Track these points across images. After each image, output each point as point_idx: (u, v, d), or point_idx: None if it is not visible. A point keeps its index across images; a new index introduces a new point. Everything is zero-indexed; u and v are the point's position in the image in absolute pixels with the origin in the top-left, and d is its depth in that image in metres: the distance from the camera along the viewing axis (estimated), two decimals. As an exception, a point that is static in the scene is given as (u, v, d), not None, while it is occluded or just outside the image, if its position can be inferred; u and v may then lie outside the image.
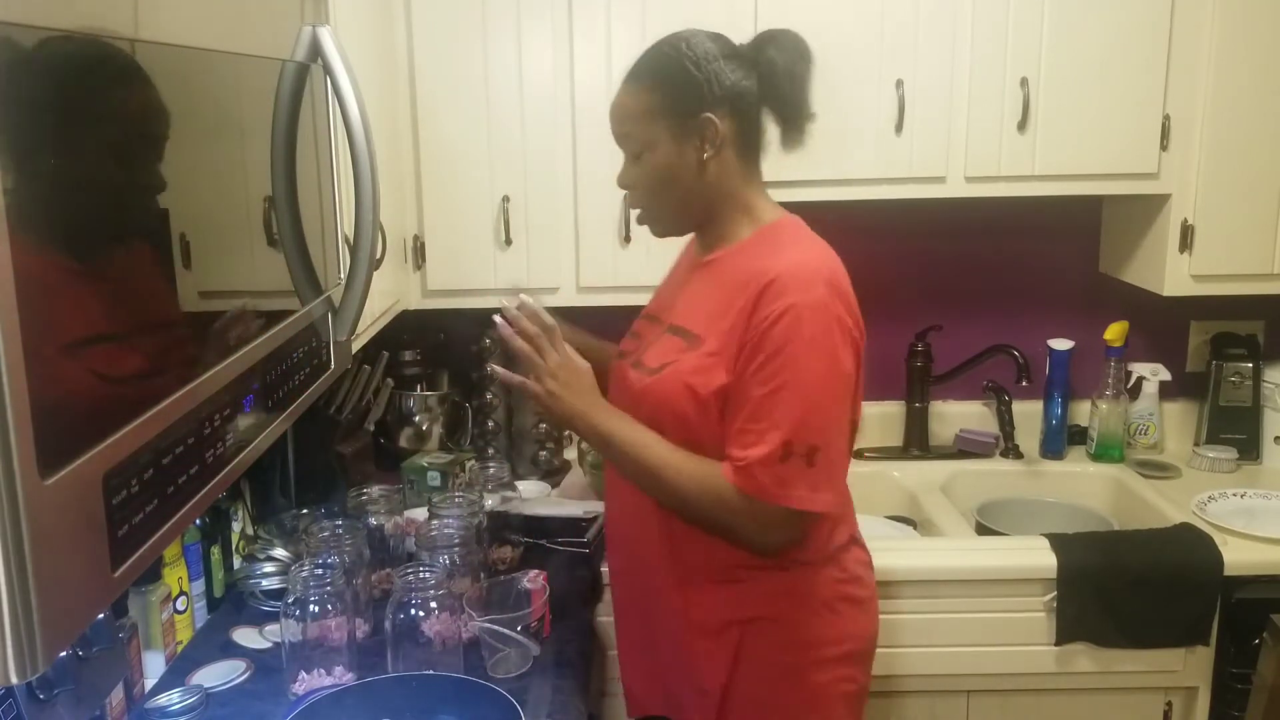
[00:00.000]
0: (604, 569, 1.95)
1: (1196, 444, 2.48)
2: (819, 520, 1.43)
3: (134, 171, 0.83)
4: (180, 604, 1.64)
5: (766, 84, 1.43)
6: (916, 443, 2.52)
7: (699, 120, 1.41)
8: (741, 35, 2.08)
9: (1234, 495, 2.19)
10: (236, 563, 1.83)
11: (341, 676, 1.50)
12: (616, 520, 1.62)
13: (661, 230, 1.53)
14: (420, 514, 1.87)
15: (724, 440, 1.39)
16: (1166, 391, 2.51)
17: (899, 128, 2.12)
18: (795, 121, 1.45)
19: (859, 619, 1.53)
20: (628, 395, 1.50)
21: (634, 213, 1.54)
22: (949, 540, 2.08)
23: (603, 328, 2.52)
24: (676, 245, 2.06)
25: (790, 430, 1.33)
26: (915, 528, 2.25)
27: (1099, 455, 2.46)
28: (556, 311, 2.36)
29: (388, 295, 1.98)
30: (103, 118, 0.78)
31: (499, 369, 1.54)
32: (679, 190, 1.46)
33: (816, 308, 1.33)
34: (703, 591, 1.48)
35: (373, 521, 1.83)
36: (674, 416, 1.42)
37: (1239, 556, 1.95)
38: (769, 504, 1.36)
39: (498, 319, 1.50)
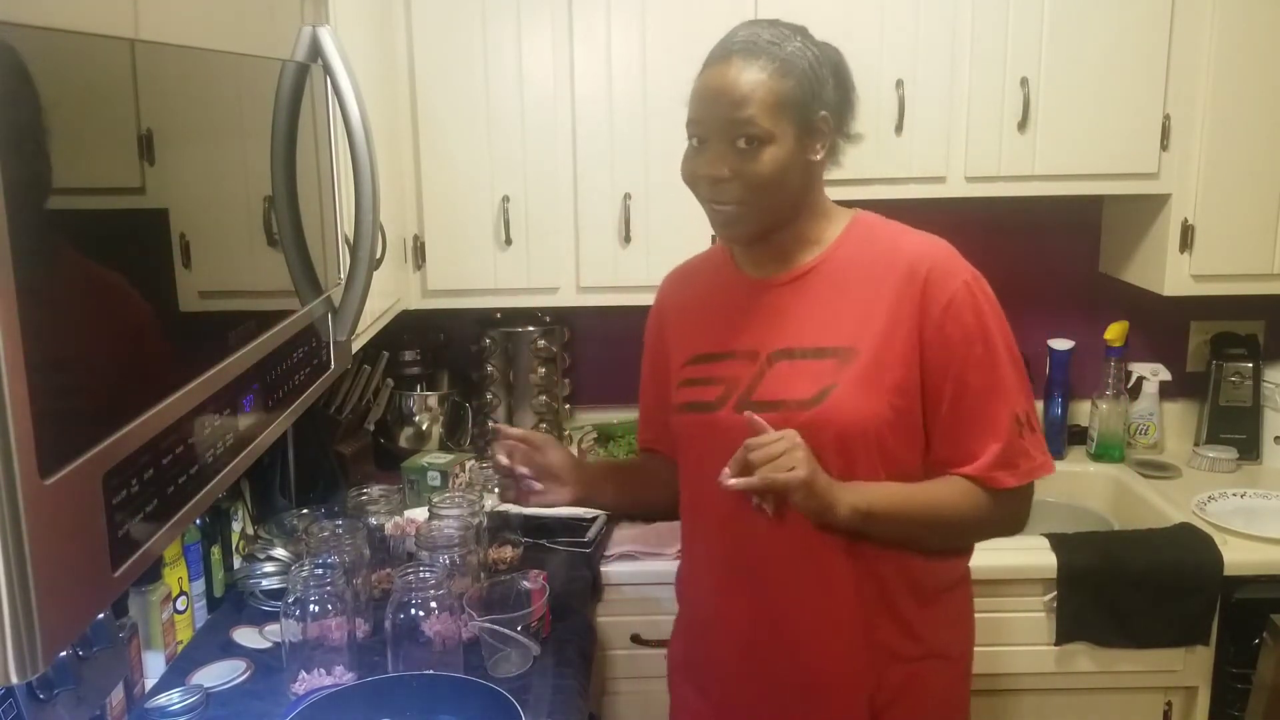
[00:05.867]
0: (604, 569, 1.95)
1: (1196, 444, 2.48)
2: None
3: (134, 171, 0.83)
4: (180, 604, 1.65)
5: (843, 87, 1.40)
6: (916, 443, 2.52)
7: (819, 119, 1.34)
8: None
9: (1234, 495, 2.19)
10: (236, 562, 1.83)
11: (341, 676, 1.50)
12: (751, 565, 1.42)
13: (743, 231, 1.38)
14: (420, 514, 1.87)
15: (932, 436, 1.36)
16: (1167, 391, 2.51)
17: (899, 128, 2.12)
18: (847, 129, 1.43)
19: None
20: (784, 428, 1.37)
21: (720, 208, 1.35)
22: (949, 540, 2.08)
23: (603, 328, 2.54)
24: (676, 247, 2.06)
25: (1014, 403, 1.34)
26: (915, 528, 2.25)
27: (1099, 455, 2.46)
28: (556, 310, 2.38)
29: (388, 295, 1.98)
30: (102, 117, 0.78)
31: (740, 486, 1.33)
32: (785, 191, 1.34)
33: (979, 278, 1.36)
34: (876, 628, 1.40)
35: (373, 521, 1.83)
36: (861, 436, 1.32)
37: (1239, 556, 1.95)
38: (1027, 484, 1.37)
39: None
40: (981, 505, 1.36)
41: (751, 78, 1.30)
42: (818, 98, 1.33)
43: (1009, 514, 1.41)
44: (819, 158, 1.36)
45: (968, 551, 1.48)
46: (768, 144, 1.30)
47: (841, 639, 1.39)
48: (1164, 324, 2.53)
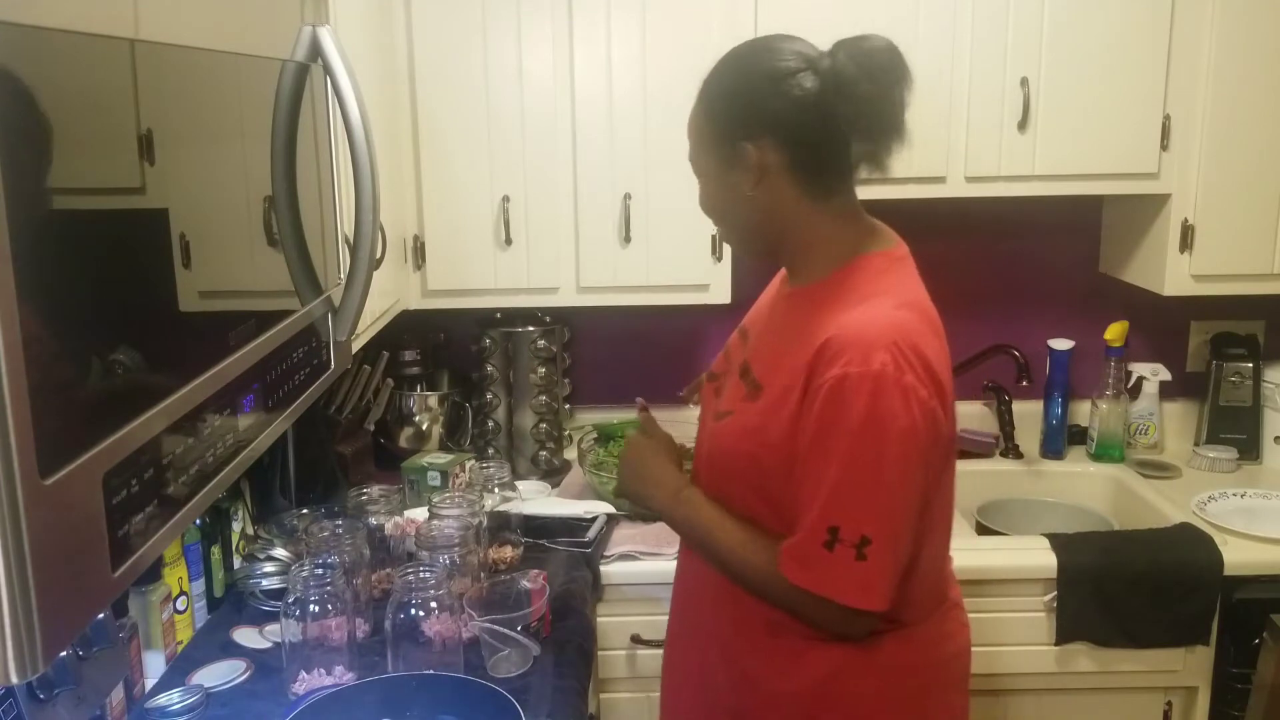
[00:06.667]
0: (604, 569, 1.95)
1: (1196, 444, 2.48)
2: (913, 595, 1.30)
3: (134, 171, 0.83)
4: (180, 604, 1.65)
5: (833, 101, 1.24)
6: (916, 443, 2.51)
7: (736, 149, 1.27)
8: (741, 36, 2.10)
9: (1234, 495, 2.19)
10: (236, 563, 1.83)
11: (341, 676, 1.50)
12: (681, 579, 1.53)
13: (737, 253, 1.47)
14: (420, 514, 1.87)
15: (790, 500, 1.28)
16: (1166, 391, 2.51)
17: (899, 128, 2.12)
18: (872, 142, 1.27)
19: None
20: (705, 432, 1.43)
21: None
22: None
23: (603, 328, 2.54)
24: (677, 244, 2.06)
25: (839, 515, 1.20)
26: (915, 528, 2.25)
27: (1099, 455, 2.46)
28: (556, 310, 2.38)
29: (388, 295, 1.98)
30: (102, 117, 0.78)
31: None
32: (734, 221, 1.35)
33: (874, 379, 1.17)
34: (760, 655, 1.36)
35: (373, 521, 1.83)
36: (739, 471, 1.33)
37: (1239, 556, 1.95)
38: (818, 596, 1.24)
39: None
40: (764, 576, 1.29)
41: (690, 114, 1.35)
42: (732, 130, 1.27)
43: (796, 608, 1.28)
44: (753, 192, 1.28)
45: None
46: (702, 179, 1.35)
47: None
48: (1164, 324, 2.53)
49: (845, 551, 1.20)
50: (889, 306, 1.25)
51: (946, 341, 1.31)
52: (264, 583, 1.75)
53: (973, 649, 1.95)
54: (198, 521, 1.70)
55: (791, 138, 1.26)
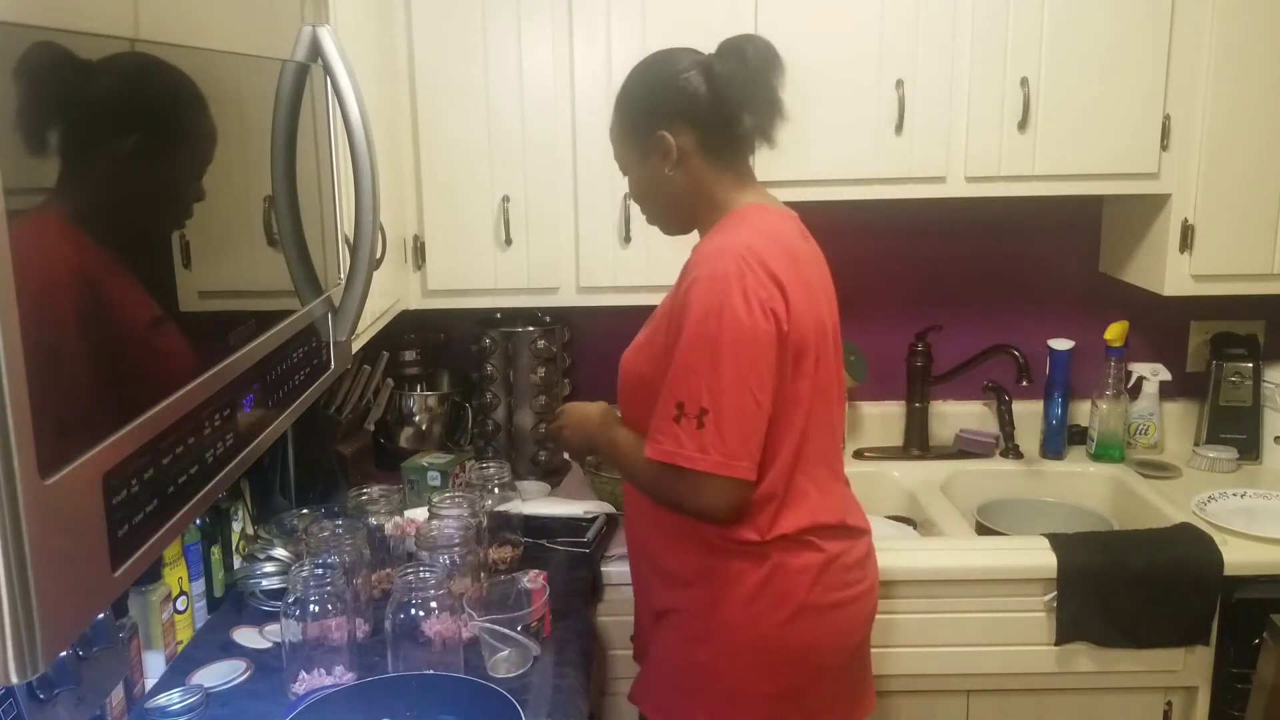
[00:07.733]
0: (604, 569, 1.95)
1: (1196, 444, 2.48)
2: (759, 499, 1.45)
3: (135, 171, 0.83)
4: (180, 604, 1.65)
5: (718, 91, 1.48)
6: (916, 443, 2.52)
7: (654, 139, 1.51)
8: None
9: (1234, 495, 2.19)
10: (236, 563, 1.83)
11: (341, 676, 1.50)
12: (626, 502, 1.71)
13: (665, 231, 1.64)
14: (420, 514, 1.87)
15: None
16: (1166, 391, 2.51)
17: (899, 128, 2.12)
18: (757, 116, 1.50)
19: (780, 619, 1.47)
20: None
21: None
22: (949, 540, 2.08)
23: (603, 328, 2.53)
24: (677, 243, 2.06)
25: (683, 392, 1.40)
26: (915, 528, 2.25)
27: (1099, 455, 2.46)
28: (556, 311, 2.38)
29: (388, 295, 1.98)
30: (101, 118, 0.78)
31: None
32: (658, 201, 1.59)
33: (719, 278, 1.39)
34: (644, 570, 1.62)
35: (373, 521, 1.83)
36: (635, 385, 1.56)
37: (1239, 556, 1.95)
38: (670, 465, 1.41)
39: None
40: (643, 467, 1.47)
41: (610, 125, 1.61)
42: (646, 122, 1.52)
43: (650, 483, 1.49)
44: (672, 171, 1.52)
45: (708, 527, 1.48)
46: (628, 173, 1.60)
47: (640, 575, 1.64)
48: (1164, 324, 2.53)
49: (689, 423, 1.39)
50: (745, 234, 1.46)
51: (809, 273, 1.49)
52: (264, 583, 1.75)
53: (973, 649, 1.96)
54: (198, 521, 1.70)
55: (696, 119, 1.50)
